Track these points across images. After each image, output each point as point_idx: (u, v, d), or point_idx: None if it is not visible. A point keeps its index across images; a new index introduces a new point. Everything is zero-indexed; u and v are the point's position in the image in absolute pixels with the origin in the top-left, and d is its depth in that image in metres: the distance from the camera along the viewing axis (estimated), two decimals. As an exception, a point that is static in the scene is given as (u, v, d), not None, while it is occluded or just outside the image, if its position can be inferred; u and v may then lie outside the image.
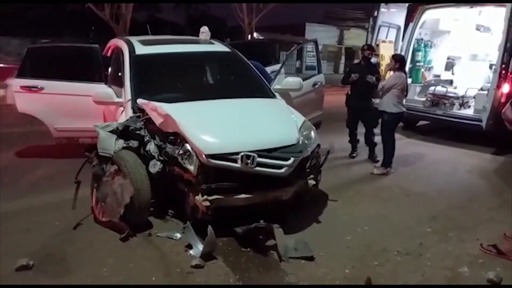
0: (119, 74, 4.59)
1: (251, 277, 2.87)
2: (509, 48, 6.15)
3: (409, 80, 7.96)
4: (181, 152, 3.44)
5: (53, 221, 3.58)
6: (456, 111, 7.41)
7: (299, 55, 20.78)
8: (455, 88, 7.97)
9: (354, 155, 6.08)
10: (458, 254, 3.22)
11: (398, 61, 5.29)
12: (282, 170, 3.43)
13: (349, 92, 6.00)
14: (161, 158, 3.57)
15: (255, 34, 19.06)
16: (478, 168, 5.84)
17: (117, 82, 4.58)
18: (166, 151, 3.53)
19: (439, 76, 8.78)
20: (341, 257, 3.16)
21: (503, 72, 6.19)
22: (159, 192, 3.55)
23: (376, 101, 5.70)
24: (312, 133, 3.94)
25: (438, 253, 3.25)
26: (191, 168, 3.36)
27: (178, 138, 3.54)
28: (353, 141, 6.08)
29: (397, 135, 7.36)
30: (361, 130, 6.01)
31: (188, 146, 3.40)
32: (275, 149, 3.48)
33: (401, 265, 3.09)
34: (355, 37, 25.65)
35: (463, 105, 7.58)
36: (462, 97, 7.58)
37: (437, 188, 4.83)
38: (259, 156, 3.34)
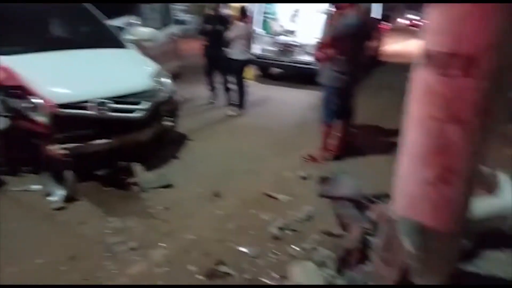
0: None
1: (115, 207, 3.22)
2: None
3: (261, 31, 8.82)
4: (28, 105, 3.44)
5: None
6: (299, 57, 8.51)
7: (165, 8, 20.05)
8: (299, 37, 9.06)
9: (213, 101, 6.65)
10: (285, 164, 4.09)
11: (241, 13, 5.88)
12: (137, 114, 3.74)
13: (205, 43, 6.45)
14: (7, 114, 3.50)
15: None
16: (315, 104, 7.04)
17: None
18: (12, 106, 3.47)
19: (285, 26, 9.81)
20: (195, 182, 3.72)
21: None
22: (10, 148, 3.51)
23: (228, 50, 6.27)
24: (165, 80, 4.28)
25: (268, 166, 4.08)
26: (42, 119, 3.41)
27: (24, 91, 3.49)
28: (212, 88, 6.62)
29: (251, 82, 8.24)
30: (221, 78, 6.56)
31: (35, 99, 3.41)
32: (128, 95, 3.75)
33: (246, 180, 3.80)
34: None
35: (306, 52, 8.74)
36: (304, 45, 8.70)
37: (280, 122, 5.76)
38: (113, 102, 3.57)
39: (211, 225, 2.93)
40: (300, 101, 7.08)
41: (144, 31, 5.16)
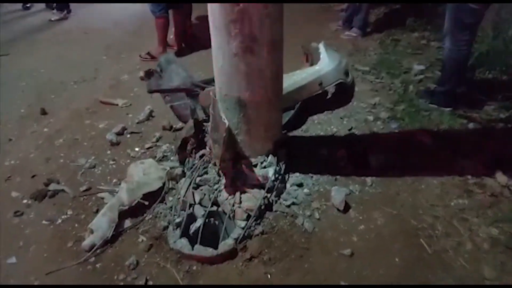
0: None
1: None
2: None
3: None
4: None
5: None
6: None
7: None
8: None
9: (28, 5, 5.49)
10: (123, 68, 3.75)
11: None
12: None
13: None
14: None
15: None
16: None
17: None
18: None
19: None
20: (15, 102, 3.17)
21: None
22: None
23: None
24: None
25: (103, 72, 3.69)
26: None
27: None
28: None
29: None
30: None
31: None
32: None
33: (78, 90, 3.39)
34: None
35: None
36: None
37: (113, 21, 5.11)
38: None
39: (38, 145, 2.59)
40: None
41: None
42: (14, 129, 2.82)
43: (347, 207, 2.04)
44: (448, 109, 2.81)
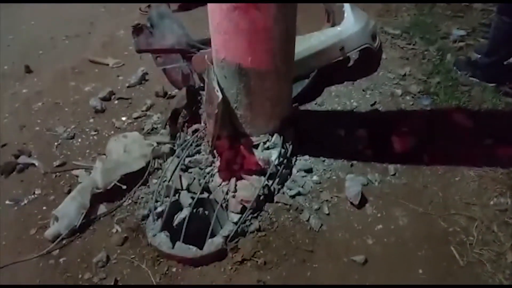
0: None
1: None
2: None
3: None
4: None
5: None
6: None
7: None
8: None
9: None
10: (121, 23, 3.34)
11: None
12: None
13: None
14: None
15: None
16: None
17: None
18: None
19: None
20: (0, 56, 2.86)
21: None
22: None
23: None
24: None
25: (100, 27, 3.31)
26: None
27: None
28: None
29: None
30: None
31: None
32: None
33: (69, 46, 3.06)
34: None
35: None
36: None
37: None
38: None
39: (14, 109, 2.30)
40: None
41: None
42: (-6, 88, 2.54)
43: (363, 201, 1.70)
44: (493, 84, 2.37)
